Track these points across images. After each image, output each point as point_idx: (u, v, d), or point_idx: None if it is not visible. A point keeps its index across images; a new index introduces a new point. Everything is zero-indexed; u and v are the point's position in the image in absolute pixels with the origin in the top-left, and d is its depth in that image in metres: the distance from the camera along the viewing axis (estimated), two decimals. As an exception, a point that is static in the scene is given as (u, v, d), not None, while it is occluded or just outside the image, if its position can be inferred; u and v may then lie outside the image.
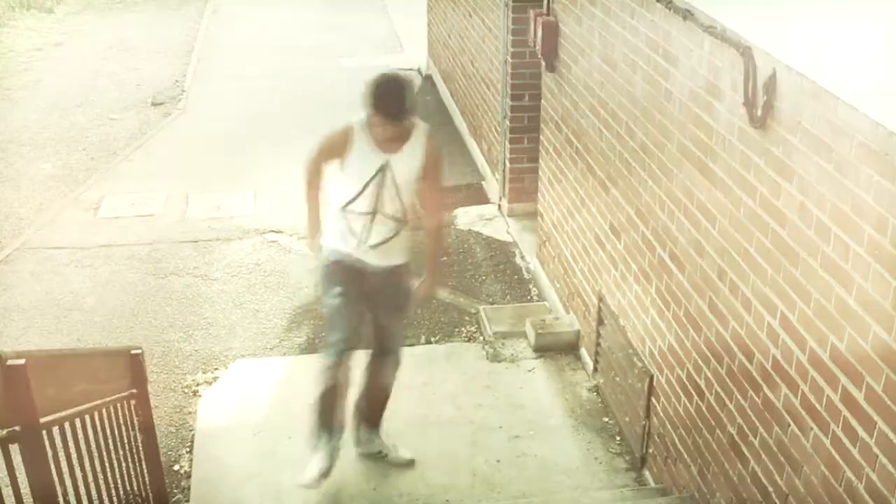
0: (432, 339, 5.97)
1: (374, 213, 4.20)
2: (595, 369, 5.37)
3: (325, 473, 4.37)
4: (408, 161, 4.17)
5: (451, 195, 4.30)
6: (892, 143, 2.42)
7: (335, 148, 4.17)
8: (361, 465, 4.74)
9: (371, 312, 4.44)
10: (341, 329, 4.25)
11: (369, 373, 4.59)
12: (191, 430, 5.15)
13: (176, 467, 4.89)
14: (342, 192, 4.23)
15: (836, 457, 2.85)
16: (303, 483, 4.37)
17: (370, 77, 4.06)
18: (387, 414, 4.71)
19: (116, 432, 3.43)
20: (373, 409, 4.69)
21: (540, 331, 5.69)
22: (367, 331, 4.47)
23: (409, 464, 4.70)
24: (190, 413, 5.30)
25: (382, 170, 4.13)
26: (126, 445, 3.57)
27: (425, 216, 4.49)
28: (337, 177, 4.23)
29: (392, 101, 3.99)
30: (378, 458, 4.70)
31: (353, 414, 4.66)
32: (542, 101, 6.02)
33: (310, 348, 5.92)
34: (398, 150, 4.14)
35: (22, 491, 2.56)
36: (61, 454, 2.79)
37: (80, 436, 3.02)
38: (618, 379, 4.95)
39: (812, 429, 2.98)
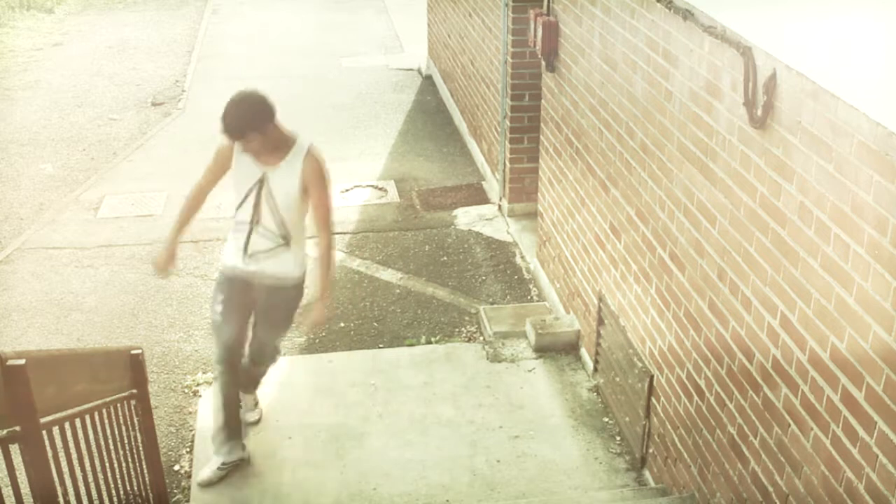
0: (432, 339, 5.97)
1: (253, 224, 4.35)
2: (595, 369, 5.37)
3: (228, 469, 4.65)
4: (284, 177, 4.29)
5: (330, 215, 4.43)
6: (892, 143, 2.42)
7: (223, 154, 4.41)
8: (361, 465, 4.75)
9: (255, 321, 4.62)
10: (221, 338, 4.52)
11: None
12: (191, 430, 5.15)
13: (176, 467, 4.89)
14: (232, 198, 4.42)
15: (836, 457, 2.85)
16: (203, 481, 4.59)
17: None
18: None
19: (116, 432, 3.43)
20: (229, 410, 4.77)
21: (540, 331, 5.69)
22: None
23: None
24: (190, 413, 5.30)
25: (260, 182, 4.29)
26: (126, 445, 3.57)
27: (316, 236, 4.49)
28: (229, 183, 4.44)
29: (226, 116, 4.13)
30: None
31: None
32: (542, 101, 6.03)
33: (310, 348, 5.92)
34: (274, 165, 4.29)
35: (22, 491, 2.56)
36: (61, 454, 2.79)
37: (80, 436, 3.02)
38: (618, 379, 4.95)
39: (812, 429, 2.98)
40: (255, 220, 4.34)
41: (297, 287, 4.51)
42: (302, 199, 4.32)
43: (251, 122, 4.13)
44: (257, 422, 5.01)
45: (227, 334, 4.50)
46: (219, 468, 4.61)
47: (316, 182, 4.33)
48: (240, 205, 4.36)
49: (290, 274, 4.45)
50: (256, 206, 4.31)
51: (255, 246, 4.38)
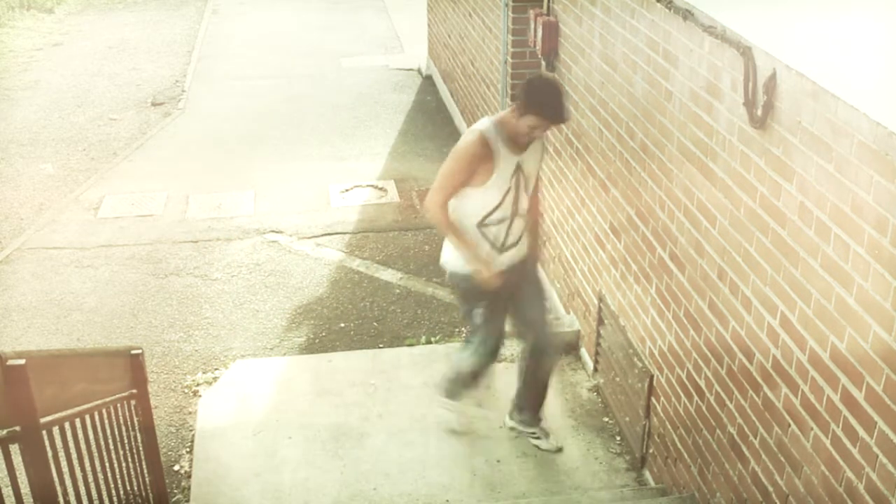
0: (432, 339, 5.97)
1: (511, 217, 4.25)
2: (595, 369, 5.37)
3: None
4: (533, 157, 4.25)
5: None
6: (892, 143, 2.42)
7: (477, 160, 4.11)
8: (361, 465, 4.75)
9: (517, 308, 4.54)
10: (493, 335, 4.49)
11: (528, 364, 4.70)
12: (191, 430, 5.15)
13: (176, 467, 4.89)
14: (477, 206, 4.21)
15: (836, 457, 2.85)
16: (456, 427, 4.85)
17: (529, 78, 4.16)
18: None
19: (116, 432, 3.43)
20: (535, 396, 4.82)
21: (540, 331, 5.68)
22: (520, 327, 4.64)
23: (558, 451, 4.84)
24: (190, 413, 5.30)
25: (517, 172, 4.18)
26: (126, 445, 3.57)
27: (533, 206, 4.50)
28: (470, 193, 4.20)
29: (562, 105, 4.03)
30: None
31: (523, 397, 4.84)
32: (542, 101, 6.02)
33: (310, 348, 5.93)
34: (526, 149, 4.19)
35: (22, 491, 2.56)
36: (61, 454, 2.79)
37: (80, 436, 3.02)
38: (618, 379, 4.95)
39: (812, 429, 2.98)
40: (514, 212, 4.24)
41: (535, 252, 4.60)
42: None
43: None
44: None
45: (497, 329, 4.48)
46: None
47: (543, 157, 4.40)
48: (499, 204, 4.19)
49: (530, 244, 4.48)
50: (516, 196, 4.21)
51: (512, 237, 4.30)
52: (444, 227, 4.28)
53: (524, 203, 4.27)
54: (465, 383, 4.80)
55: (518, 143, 4.15)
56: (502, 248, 4.31)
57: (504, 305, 4.49)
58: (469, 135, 4.18)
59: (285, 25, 14.17)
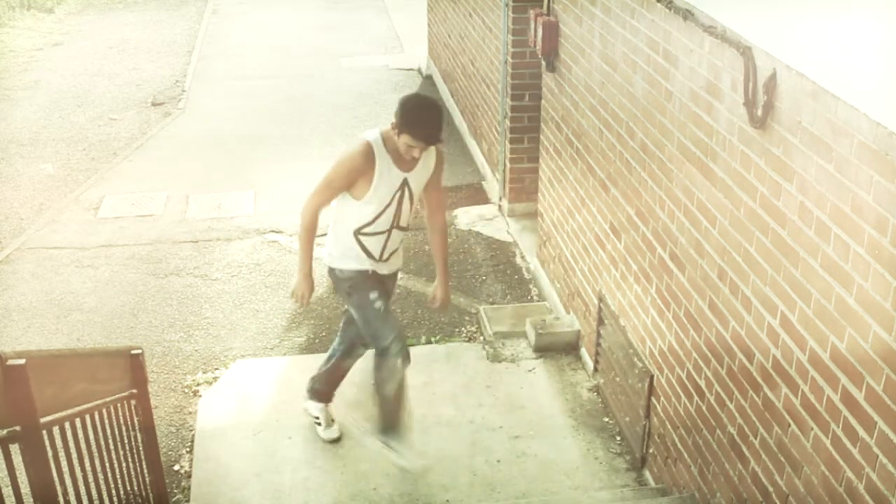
0: (432, 339, 5.97)
1: (391, 230, 4.30)
2: (595, 369, 5.37)
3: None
4: (422, 173, 4.27)
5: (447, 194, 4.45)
6: (892, 143, 2.42)
7: (357, 173, 4.14)
8: (361, 465, 4.75)
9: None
10: (393, 327, 4.38)
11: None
12: (191, 430, 5.15)
13: (176, 467, 4.89)
14: (357, 215, 4.24)
15: (836, 457, 2.85)
16: (408, 466, 4.56)
17: (404, 97, 4.11)
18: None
19: (116, 432, 3.43)
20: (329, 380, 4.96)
21: (540, 331, 5.69)
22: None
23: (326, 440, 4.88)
24: (190, 413, 5.30)
25: (402, 187, 4.20)
26: (126, 445, 3.57)
27: (430, 218, 4.56)
28: (350, 201, 4.23)
29: (433, 126, 4.02)
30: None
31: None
32: (542, 101, 6.03)
33: (310, 348, 5.92)
34: (414, 166, 4.20)
35: (22, 491, 2.56)
36: (61, 454, 2.79)
37: (80, 436, 3.02)
38: (618, 379, 4.95)
39: (812, 429, 2.98)
40: (393, 225, 4.30)
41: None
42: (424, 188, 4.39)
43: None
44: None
45: (394, 320, 4.45)
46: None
47: (442, 168, 4.40)
48: (378, 216, 4.23)
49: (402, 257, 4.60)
50: (398, 210, 4.25)
51: (390, 248, 4.38)
52: (302, 230, 4.32)
53: (405, 217, 4.32)
54: (388, 406, 4.54)
55: (404, 159, 4.15)
56: (380, 259, 4.37)
57: (387, 298, 4.49)
58: (355, 144, 4.17)
59: (285, 25, 14.16)
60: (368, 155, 4.10)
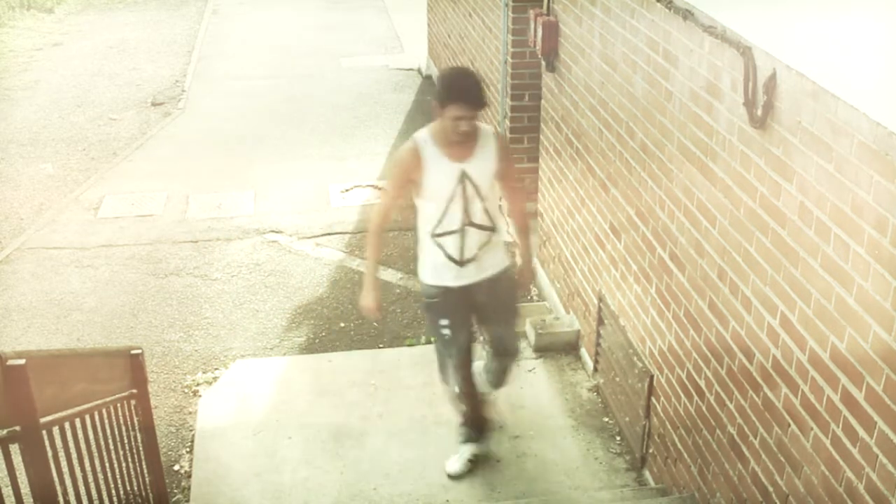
0: (432, 339, 5.96)
1: (463, 228, 4.12)
2: (595, 369, 5.37)
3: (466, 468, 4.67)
4: (482, 163, 4.07)
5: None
6: (892, 143, 2.42)
7: (408, 171, 4.06)
8: (362, 465, 4.75)
9: (483, 325, 4.50)
10: (454, 355, 4.37)
11: (489, 376, 4.66)
12: (191, 430, 5.15)
13: (176, 467, 4.89)
14: (426, 216, 4.15)
15: (836, 457, 2.85)
16: (451, 471, 4.64)
17: (440, 72, 4.11)
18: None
19: (116, 432, 3.43)
20: (471, 412, 4.73)
21: (540, 331, 5.69)
22: (484, 337, 4.61)
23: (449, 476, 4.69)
24: (190, 413, 5.30)
25: (462, 180, 4.04)
26: (126, 445, 3.57)
27: (510, 213, 4.47)
28: (419, 203, 4.15)
29: (473, 87, 3.91)
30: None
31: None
32: (542, 101, 6.03)
33: (310, 348, 5.93)
34: (470, 156, 4.04)
35: (22, 491, 2.56)
36: (61, 454, 2.79)
37: (80, 436, 3.02)
38: (618, 379, 4.95)
39: (812, 429, 2.98)
40: (465, 222, 4.10)
41: (510, 271, 4.42)
42: (495, 182, 4.17)
43: (485, 94, 3.96)
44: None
45: (457, 349, 4.36)
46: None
47: (511, 160, 4.23)
48: (444, 212, 4.07)
49: (505, 262, 4.35)
50: (464, 205, 4.06)
51: (469, 249, 4.16)
52: (368, 235, 4.31)
53: (478, 214, 4.11)
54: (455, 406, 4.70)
55: (458, 148, 4.01)
56: (461, 262, 4.18)
57: (463, 323, 4.35)
58: (404, 143, 4.15)
59: (285, 25, 14.17)
60: (414, 151, 4.04)
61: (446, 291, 4.23)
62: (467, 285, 4.24)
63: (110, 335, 6.11)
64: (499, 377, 4.63)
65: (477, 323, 4.48)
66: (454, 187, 4.04)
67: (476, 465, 4.70)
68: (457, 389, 4.50)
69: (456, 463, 4.67)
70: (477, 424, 4.70)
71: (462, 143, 4.00)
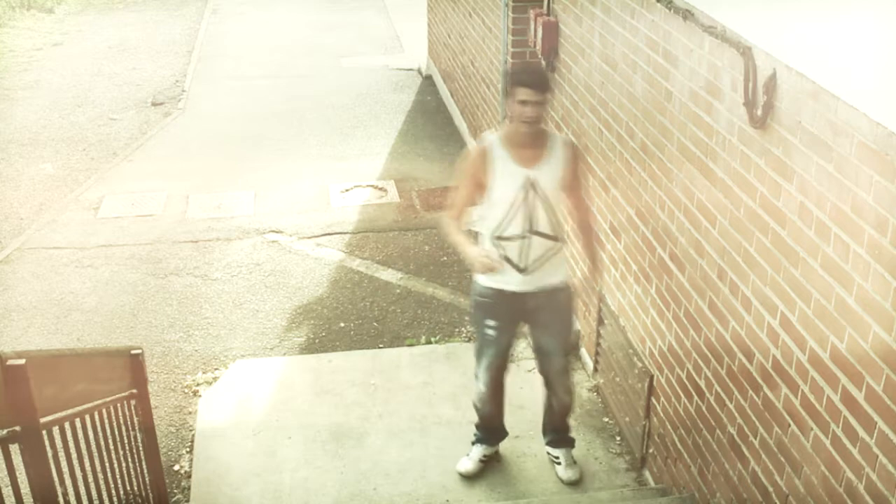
0: (432, 339, 5.97)
1: (527, 235, 4.07)
2: (595, 369, 5.37)
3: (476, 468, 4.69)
4: (550, 172, 4.02)
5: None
6: (892, 143, 2.42)
7: (475, 173, 4.05)
8: (361, 465, 4.75)
9: (532, 336, 4.46)
10: (491, 356, 4.36)
11: (545, 392, 4.62)
12: (191, 430, 5.15)
13: (176, 467, 4.89)
14: (489, 218, 4.11)
15: (836, 457, 2.85)
16: (462, 470, 4.67)
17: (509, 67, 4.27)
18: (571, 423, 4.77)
19: (116, 432, 3.43)
20: (551, 421, 4.71)
21: (540, 331, 5.68)
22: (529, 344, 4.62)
23: (572, 483, 4.64)
24: (190, 413, 5.30)
25: (527, 186, 3.99)
26: (126, 445, 3.57)
27: (578, 225, 4.36)
28: (484, 204, 4.11)
29: (539, 71, 4.07)
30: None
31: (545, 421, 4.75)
32: (542, 101, 6.02)
33: (310, 348, 5.93)
34: (538, 162, 4.00)
35: (22, 491, 2.56)
36: (61, 454, 2.79)
37: (80, 436, 3.02)
38: (618, 379, 4.95)
39: (812, 429, 2.98)
40: (529, 229, 4.04)
41: (569, 287, 4.34)
42: (562, 192, 4.11)
43: (551, 85, 4.00)
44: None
45: (496, 351, 4.35)
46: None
47: (581, 170, 4.18)
48: (507, 216, 4.03)
49: (564, 276, 4.27)
50: (529, 212, 4.01)
51: (532, 256, 4.09)
52: (446, 228, 4.28)
53: (542, 222, 4.04)
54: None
55: (526, 153, 3.98)
56: (523, 269, 4.12)
57: (508, 327, 4.32)
58: (475, 143, 4.18)
59: (285, 25, 14.17)
60: (482, 152, 4.03)
61: (500, 294, 4.20)
62: (523, 292, 4.19)
63: (110, 335, 6.11)
64: (561, 389, 4.53)
65: (528, 331, 4.46)
66: (519, 192, 4.00)
67: (487, 465, 4.71)
68: (482, 388, 4.48)
69: (468, 462, 4.68)
70: (492, 428, 4.69)
71: (530, 144, 3.99)
